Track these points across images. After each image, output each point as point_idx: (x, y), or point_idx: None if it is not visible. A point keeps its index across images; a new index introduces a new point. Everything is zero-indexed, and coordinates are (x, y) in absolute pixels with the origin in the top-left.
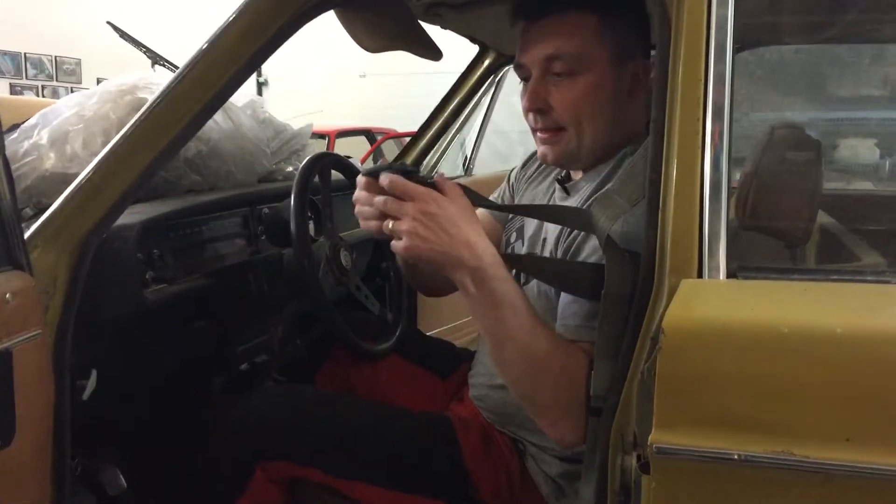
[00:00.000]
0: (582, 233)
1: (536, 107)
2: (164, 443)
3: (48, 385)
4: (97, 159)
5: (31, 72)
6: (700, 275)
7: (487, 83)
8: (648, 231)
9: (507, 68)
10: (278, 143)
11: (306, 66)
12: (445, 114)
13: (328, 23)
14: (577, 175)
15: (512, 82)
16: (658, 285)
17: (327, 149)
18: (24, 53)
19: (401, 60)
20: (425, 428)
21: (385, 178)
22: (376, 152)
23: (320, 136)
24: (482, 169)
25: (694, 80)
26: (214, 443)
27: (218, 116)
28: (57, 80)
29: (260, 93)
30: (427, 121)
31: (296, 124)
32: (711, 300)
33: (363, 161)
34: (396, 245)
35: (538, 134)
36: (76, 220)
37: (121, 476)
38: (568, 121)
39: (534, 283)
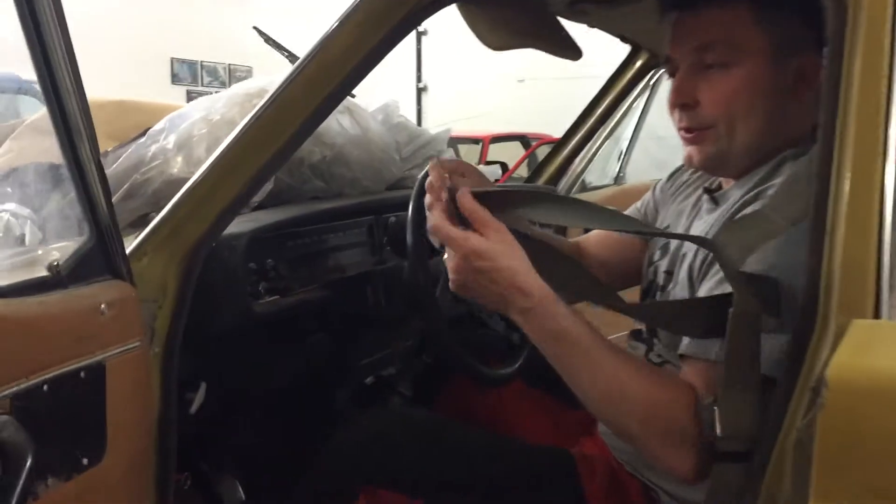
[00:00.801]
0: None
1: (682, 101)
2: (283, 457)
3: (147, 399)
4: (206, 164)
5: (206, 79)
6: (877, 314)
7: (641, 86)
8: (811, 258)
9: (662, 70)
10: (412, 148)
11: (466, 71)
12: (593, 118)
13: None
14: (727, 183)
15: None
16: (822, 325)
17: (481, 154)
18: (201, 62)
19: (561, 64)
20: (544, 466)
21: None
22: (531, 158)
23: (474, 141)
24: (637, 177)
25: (874, 78)
26: (322, 462)
27: (345, 121)
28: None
29: (419, 99)
30: (573, 126)
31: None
32: (891, 347)
33: (516, 167)
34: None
35: (683, 133)
36: (185, 227)
37: (239, 488)
38: (717, 118)
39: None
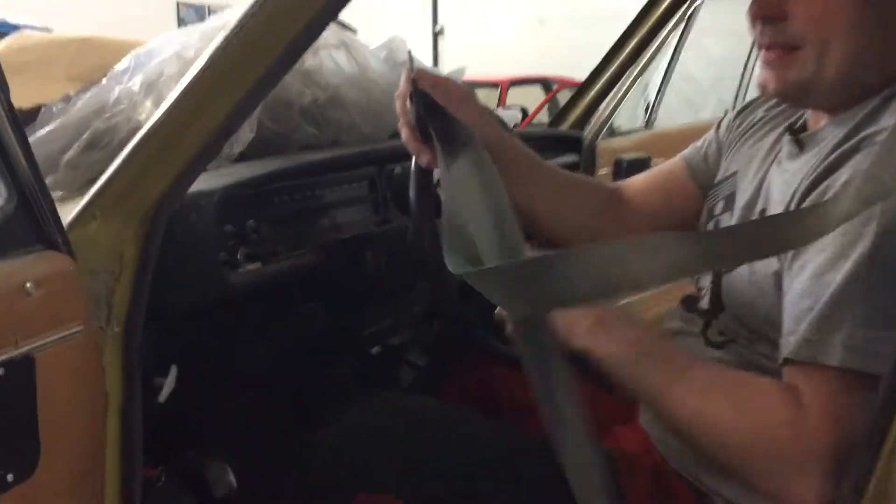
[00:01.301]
0: (829, 194)
1: (767, 13)
2: (279, 440)
3: (95, 394)
4: (162, 109)
5: None
6: None
7: (675, 19)
8: None
9: (697, 2)
10: None
11: (484, 12)
12: (620, 58)
13: None
14: (817, 121)
15: (703, 21)
16: None
17: (499, 99)
18: (208, 6)
19: (583, 4)
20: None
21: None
22: (552, 102)
23: (492, 85)
24: (668, 121)
25: None
26: (315, 461)
27: (341, 58)
28: None
29: (435, 43)
30: (598, 67)
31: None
32: None
33: (537, 111)
34: None
35: (763, 53)
36: (141, 184)
37: (230, 474)
38: (808, 36)
39: (744, 270)
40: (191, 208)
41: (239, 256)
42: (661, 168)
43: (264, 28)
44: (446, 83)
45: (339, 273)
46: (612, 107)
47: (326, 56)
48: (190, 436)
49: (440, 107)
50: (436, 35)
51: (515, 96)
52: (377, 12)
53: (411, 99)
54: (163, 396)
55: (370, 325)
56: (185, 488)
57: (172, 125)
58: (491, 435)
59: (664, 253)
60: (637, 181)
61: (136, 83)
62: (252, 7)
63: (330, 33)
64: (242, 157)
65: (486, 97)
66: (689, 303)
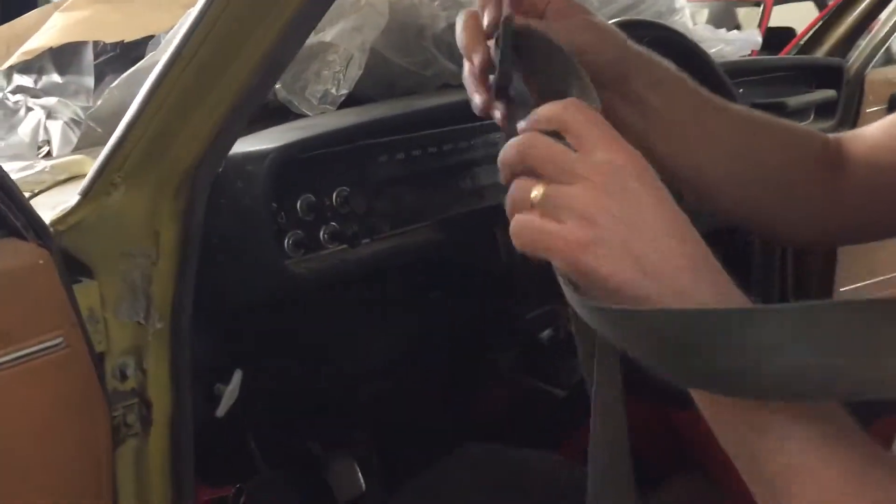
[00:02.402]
0: None
1: None
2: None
3: (92, 424)
4: (182, 37)
5: None
6: None
7: None
8: None
9: None
10: (614, 8)
11: None
12: None
13: None
14: None
15: None
16: None
17: (761, 19)
18: None
19: None
20: None
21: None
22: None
23: (754, 3)
24: None
25: None
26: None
27: None
28: None
29: None
30: None
31: None
32: None
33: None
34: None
35: None
36: (170, 141)
37: (358, 472)
38: None
39: None
40: (236, 176)
41: (322, 235)
42: None
43: None
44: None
45: (469, 256)
46: (889, 26)
47: None
48: (301, 432)
49: (539, 43)
50: None
51: (782, 15)
52: None
53: (496, 41)
54: (221, 410)
55: (529, 309)
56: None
57: (201, 63)
58: None
59: None
60: (872, 132)
61: None
62: None
63: None
64: (350, 101)
65: (747, 16)
66: None
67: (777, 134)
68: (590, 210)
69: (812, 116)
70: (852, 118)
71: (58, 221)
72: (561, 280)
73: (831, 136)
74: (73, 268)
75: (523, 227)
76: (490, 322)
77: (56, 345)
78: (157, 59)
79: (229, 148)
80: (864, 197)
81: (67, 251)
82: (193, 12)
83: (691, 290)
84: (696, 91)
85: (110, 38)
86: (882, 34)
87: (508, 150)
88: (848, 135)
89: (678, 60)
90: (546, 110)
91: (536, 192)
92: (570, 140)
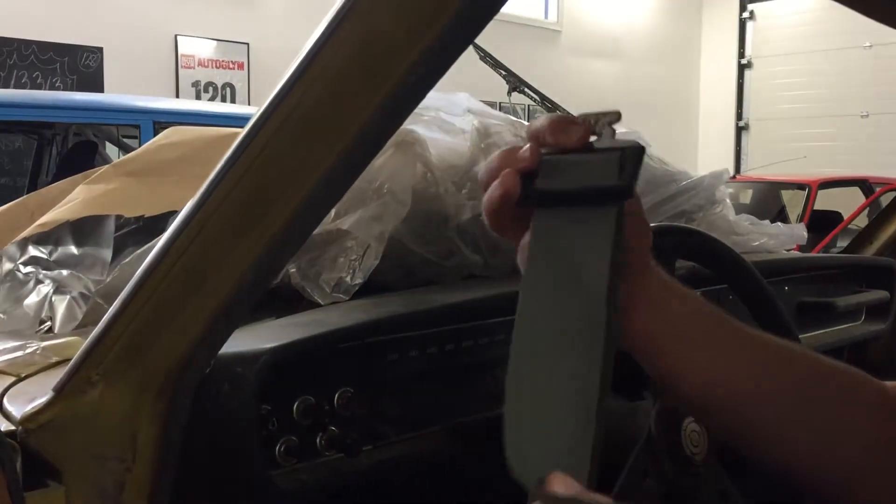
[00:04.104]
0: None
1: None
2: None
3: None
4: (176, 228)
5: None
6: None
7: None
8: None
9: None
10: (655, 198)
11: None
12: None
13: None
14: None
15: None
16: None
17: (806, 203)
18: None
19: None
20: None
21: None
22: (873, 207)
23: (798, 186)
24: None
25: None
26: None
27: None
28: None
29: (739, 139)
30: None
31: (769, 173)
32: None
33: (853, 217)
34: None
35: None
36: (154, 339)
37: None
38: None
39: None
40: (223, 377)
41: (320, 442)
42: None
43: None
44: None
45: (484, 467)
46: None
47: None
48: None
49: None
50: (739, 130)
51: (827, 199)
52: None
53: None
54: None
55: None
56: None
57: (190, 261)
58: None
59: None
60: None
61: None
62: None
63: (509, 127)
64: (373, 288)
65: (793, 199)
66: None
67: (826, 377)
68: None
69: (863, 317)
70: None
71: (27, 419)
72: None
73: (889, 383)
74: (41, 470)
75: None
76: None
77: None
78: None
79: (219, 348)
80: None
81: (36, 452)
82: (185, 208)
83: None
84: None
85: (132, 213)
86: None
87: None
88: None
89: (713, 266)
90: None
91: None
92: None
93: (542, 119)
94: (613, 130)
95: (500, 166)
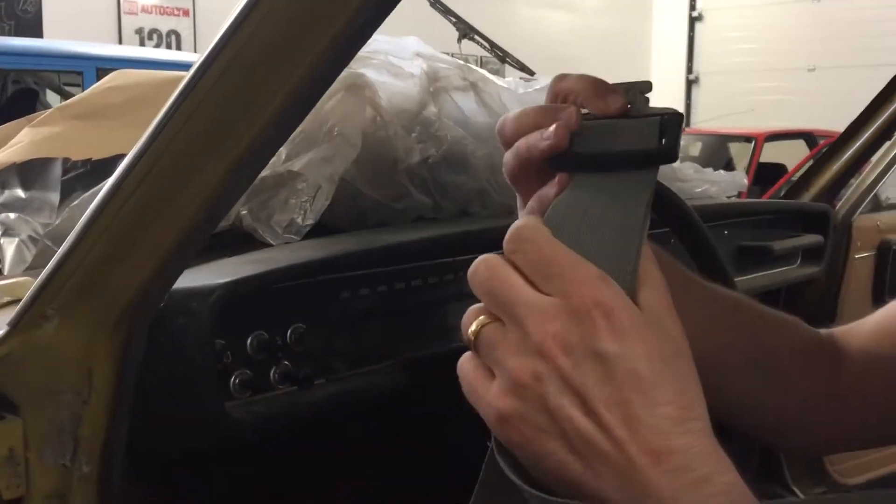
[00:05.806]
0: None
1: None
2: None
3: None
4: (131, 161)
5: None
6: None
7: None
8: None
9: None
10: None
11: (744, 61)
12: (892, 108)
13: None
14: None
15: None
16: None
17: (752, 155)
18: None
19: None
20: None
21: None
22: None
23: (745, 139)
24: None
25: None
26: None
27: (467, 103)
28: None
29: (689, 93)
30: (859, 118)
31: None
32: None
33: (796, 169)
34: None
35: None
36: (108, 275)
37: None
38: None
39: None
40: (178, 312)
41: (274, 376)
42: None
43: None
44: None
45: (435, 401)
46: (879, 171)
47: (448, 101)
48: None
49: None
50: (689, 83)
51: (772, 152)
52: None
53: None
54: None
55: None
56: None
57: (143, 196)
58: None
59: None
60: (868, 326)
61: None
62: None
63: (457, 71)
64: (316, 231)
65: (740, 151)
66: None
67: (767, 317)
68: (518, 374)
69: (799, 261)
70: (840, 264)
71: None
72: (495, 447)
73: (823, 331)
74: None
75: (460, 369)
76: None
77: None
78: None
79: (172, 282)
80: (866, 395)
81: None
82: (137, 145)
83: (655, 487)
84: (680, 269)
85: (79, 156)
86: (870, 180)
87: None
88: (844, 330)
89: (657, 210)
90: (514, 228)
91: (473, 327)
92: (524, 269)
93: (573, 81)
94: (647, 99)
95: (538, 122)
